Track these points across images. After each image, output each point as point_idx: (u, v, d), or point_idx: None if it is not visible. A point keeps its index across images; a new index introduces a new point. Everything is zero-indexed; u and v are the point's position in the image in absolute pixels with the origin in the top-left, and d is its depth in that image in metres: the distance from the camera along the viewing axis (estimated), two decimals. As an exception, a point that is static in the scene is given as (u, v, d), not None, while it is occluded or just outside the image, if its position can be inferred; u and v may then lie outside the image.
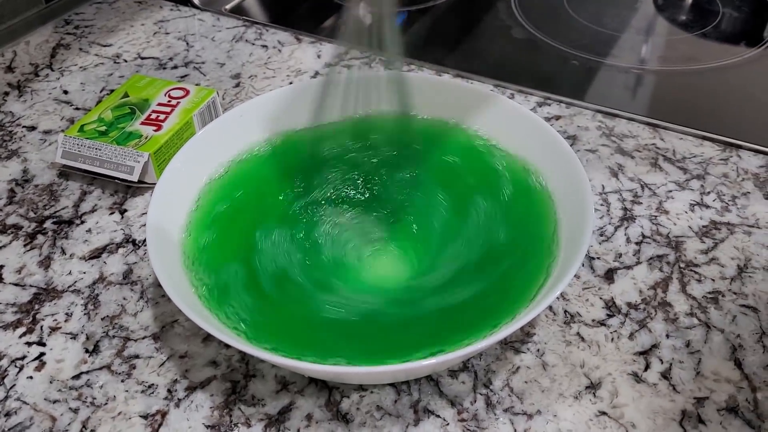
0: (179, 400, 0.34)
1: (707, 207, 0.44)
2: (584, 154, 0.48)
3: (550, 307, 0.38)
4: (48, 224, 0.43)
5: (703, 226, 0.42)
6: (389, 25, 0.35)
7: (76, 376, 0.35)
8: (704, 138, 0.49)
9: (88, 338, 0.37)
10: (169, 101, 0.48)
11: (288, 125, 0.44)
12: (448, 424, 0.33)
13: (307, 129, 0.44)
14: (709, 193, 0.45)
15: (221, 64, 0.57)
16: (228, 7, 0.66)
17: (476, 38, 0.63)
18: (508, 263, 0.36)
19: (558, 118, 0.51)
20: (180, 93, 0.49)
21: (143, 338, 0.37)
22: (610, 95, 0.54)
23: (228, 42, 0.60)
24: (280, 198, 0.41)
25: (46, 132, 0.51)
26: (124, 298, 0.39)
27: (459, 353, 0.29)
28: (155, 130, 0.46)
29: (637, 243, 0.41)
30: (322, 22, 0.63)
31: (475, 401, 0.33)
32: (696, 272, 0.39)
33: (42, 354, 0.36)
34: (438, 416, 0.33)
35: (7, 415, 0.33)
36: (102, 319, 0.38)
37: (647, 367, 0.35)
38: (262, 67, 0.57)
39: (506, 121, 0.42)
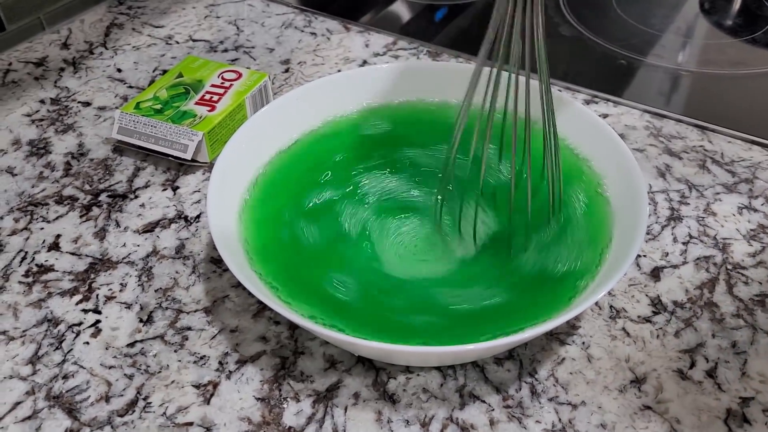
0: (230, 372, 0.35)
1: (755, 211, 0.43)
2: (631, 153, 0.47)
3: (596, 302, 0.38)
4: (103, 197, 0.44)
5: (751, 230, 0.42)
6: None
7: (131, 344, 0.36)
8: (753, 142, 0.49)
9: (142, 308, 0.38)
10: (222, 83, 0.49)
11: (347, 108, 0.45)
12: (493, 409, 0.33)
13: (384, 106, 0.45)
14: (757, 197, 0.44)
15: (271, 50, 0.58)
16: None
17: (523, 34, 0.63)
18: (559, 257, 0.36)
19: (605, 116, 0.51)
20: (233, 75, 0.50)
21: (195, 311, 0.38)
22: (658, 96, 0.54)
23: (277, 28, 0.61)
24: (349, 179, 0.42)
25: (101, 108, 0.52)
26: (177, 272, 0.40)
27: (504, 341, 0.30)
28: (209, 111, 0.47)
29: (683, 243, 0.41)
30: (368, 12, 0.64)
31: (520, 389, 0.34)
32: (743, 275, 0.39)
33: (98, 321, 0.37)
34: (483, 401, 0.33)
35: (65, 377, 0.35)
36: (155, 290, 0.39)
37: (692, 364, 0.35)
38: (311, 53, 0.58)
39: (572, 120, 0.42)
